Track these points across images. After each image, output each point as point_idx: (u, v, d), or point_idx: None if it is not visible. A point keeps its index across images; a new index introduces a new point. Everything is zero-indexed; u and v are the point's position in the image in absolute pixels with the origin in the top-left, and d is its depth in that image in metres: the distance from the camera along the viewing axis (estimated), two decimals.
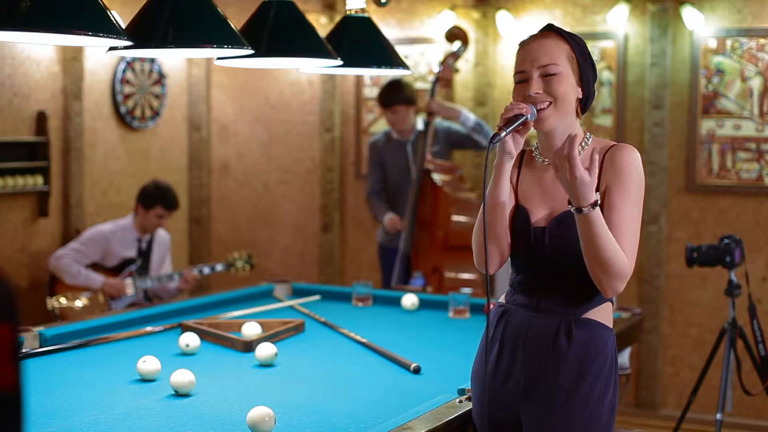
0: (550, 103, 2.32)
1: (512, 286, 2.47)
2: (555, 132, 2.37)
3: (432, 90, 5.35)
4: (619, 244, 2.24)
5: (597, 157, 2.19)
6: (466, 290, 4.00)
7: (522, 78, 2.36)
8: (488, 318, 2.39)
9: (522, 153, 2.49)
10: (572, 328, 2.33)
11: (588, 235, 2.22)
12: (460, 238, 5.10)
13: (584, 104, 2.40)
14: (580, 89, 2.36)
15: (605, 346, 2.35)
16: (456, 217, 5.18)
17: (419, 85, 6.02)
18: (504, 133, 2.27)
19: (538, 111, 2.32)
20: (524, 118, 2.28)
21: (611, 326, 2.40)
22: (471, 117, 5.32)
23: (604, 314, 2.38)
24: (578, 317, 2.34)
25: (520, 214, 2.41)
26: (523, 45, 2.39)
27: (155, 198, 5.37)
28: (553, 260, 2.35)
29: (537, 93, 2.32)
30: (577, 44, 2.37)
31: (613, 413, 2.38)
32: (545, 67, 2.32)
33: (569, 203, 2.23)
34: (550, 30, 2.39)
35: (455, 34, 5.46)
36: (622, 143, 2.38)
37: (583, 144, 2.38)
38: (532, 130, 2.37)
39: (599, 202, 2.23)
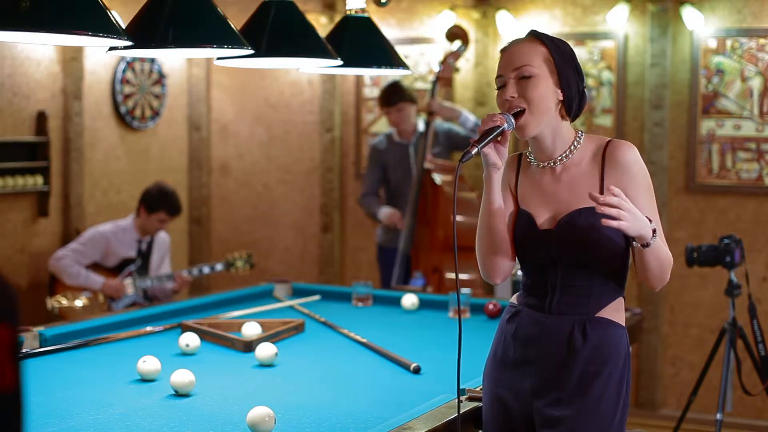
0: (524, 110, 2.30)
1: (524, 288, 2.47)
2: (541, 136, 2.36)
3: (432, 90, 5.35)
4: None
5: (616, 189, 2.18)
6: (465, 291, 3.99)
7: (500, 83, 2.37)
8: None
9: (519, 156, 2.49)
10: (586, 327, 2.33)
11: (654, 258, 2.26)
12: (461, 238, 5.08)
13: (568, 107, 2.36)
14: (559, 91, 2.34)
15: (619, 344, 2.35)
16: (457, 217, 5.17)
17: (419, 85, 6.02)
18: (474, 150, 2.25)
19: (515, 118, 2.30)
20: (500, 129, 2.27)
21: (624, 324, 2.39)
22: (471, 118, 5.32)
23: (616, 312, 2.38)
24: (591, 317, 2.34)
25: (523, 218, 2.40)
26: (503, 51, 2.40)
27: (159, 203, 5.37)
28: (562, 262, 2.34)
29: (512, 97, 2.32)
30: (556, 47, 2.35)
31: (626, 412, 2.38)
32: (519, 70, 2.32)
33: (633, 240, 2.23)
34: (529, 35, 2.40)
35: (455, 34, 5.47)
36: (617, 140, 2.37)
37: (575, 145, 2.38)
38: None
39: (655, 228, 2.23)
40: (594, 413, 2.31)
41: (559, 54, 2.35)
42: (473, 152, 2.24)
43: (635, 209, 2.17)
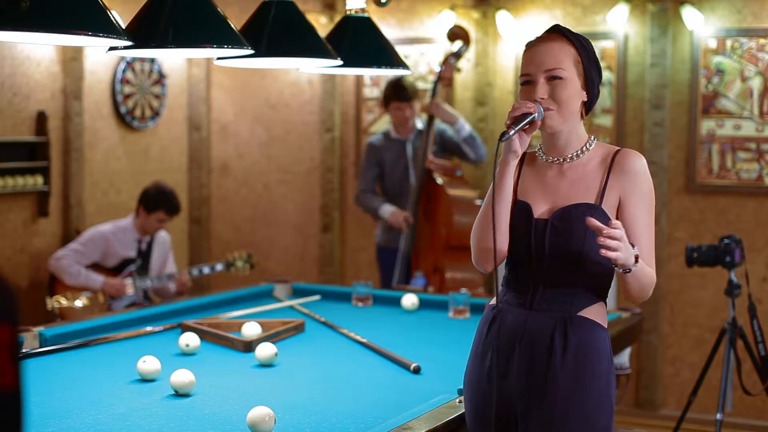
0: (554, 109, 2.33)
1: (505, 284, 2.46)
2: (559, 133, 2.38)
3: (434, 90, 5.35)
4: (641, 254, 2.28)
5: (618, 222, 2.19)
6: (463, 290, 4.00)
7: (527, 80, 2.36)
8: (482, 318, 2.37)
9: (524, 154, 2.49)
10: (568, 327, 2.32)
11: (635, 281, 2.26)
12: (462, 238, 5.11)
13: (588, 106, 2.41)
14: (584, 93, 2.37)
15: (601, 346, 2.35)
16: (457, 217, 5.18)
17: (419, 85, 6.02)
18: (512, 132, 2.28)
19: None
20: (532, 116, 2.29)
21: (606, 326, 2.39)
22: (466, 127, 5.32)
23: (598, 314, 2.37)
24: (574, 315, 2.34)
25: (520, 207, 2.40)
26: (530, 47, 2.39)
27: (157, 203, 5.36)
28: (552, 255, 2.34)
29: (542, 98, 2.33)
30: (583, 47, 2.37)
31: (612, 413, 2.37)
32: (551, 71, 2.33)
33: (615, 266, 2.23)
34: (556, 32, 2.39)
35: (457, 34, 5.47)
36: (627, 149, 2.39)
37: (586, 146, 2.39)
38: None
39: (637, 253, 2.24)
40: (579, 415, 2.30)
41: (587, 55, 2.37)
42: (510, 133, 2.28)
43: (626, 239, 2.18)
